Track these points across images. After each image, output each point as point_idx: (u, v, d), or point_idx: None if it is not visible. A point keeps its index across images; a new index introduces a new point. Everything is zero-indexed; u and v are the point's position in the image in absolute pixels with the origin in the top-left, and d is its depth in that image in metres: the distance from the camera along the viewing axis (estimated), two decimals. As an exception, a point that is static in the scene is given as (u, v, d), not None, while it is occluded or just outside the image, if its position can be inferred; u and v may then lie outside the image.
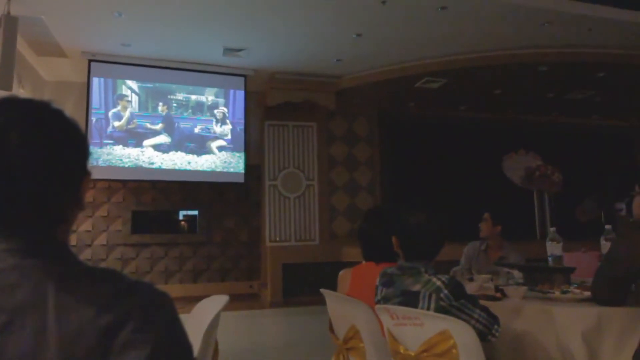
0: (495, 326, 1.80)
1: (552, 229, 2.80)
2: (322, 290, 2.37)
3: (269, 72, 6.88)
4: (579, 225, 7.09)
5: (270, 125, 7.32)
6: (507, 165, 7.84)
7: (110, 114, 6.47)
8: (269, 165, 7.25)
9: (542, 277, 2.36)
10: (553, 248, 2.74)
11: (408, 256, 1.94)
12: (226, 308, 2.09)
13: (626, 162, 8.93)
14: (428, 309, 1.78)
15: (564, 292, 2.10)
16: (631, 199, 1.96)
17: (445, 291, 1.77)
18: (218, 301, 2.16)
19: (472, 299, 1.83)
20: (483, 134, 8.23)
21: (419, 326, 1.72)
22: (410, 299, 1.83)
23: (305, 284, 6.66)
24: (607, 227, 2.62)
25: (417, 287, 1.83)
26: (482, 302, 1.98)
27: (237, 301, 6.66)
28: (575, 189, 7.74)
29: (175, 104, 6.79)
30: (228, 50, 6.16)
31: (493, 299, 2.17)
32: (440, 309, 1.76)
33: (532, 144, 8.29)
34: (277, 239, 7.12)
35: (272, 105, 7.02)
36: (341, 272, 2.47)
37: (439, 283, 1.79)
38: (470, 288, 2.38)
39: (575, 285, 2.27)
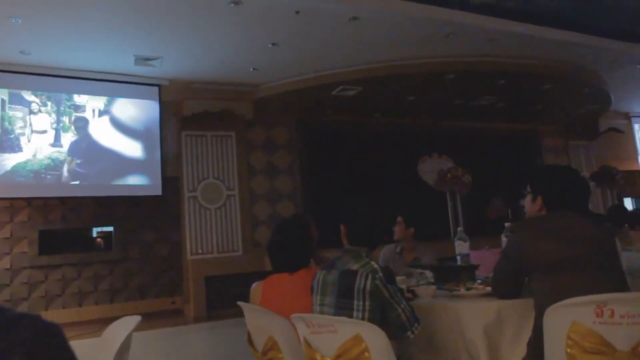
0: (416, 324, 1.93)
1: (460, 229, 2.96)
2: (239, 303, 2.35)
3: (185, 82, 6.73)
4: (489, 223, 7.56)
5: (187, 136, 7.15)
6: (422, 168, 8.21)
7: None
8: (188, 176, 7.07)
9: (449, 275, 2.49)
10: (460, 247, 2.91)
11: (352, 242, 2.13)
12: (148, 327, 2.02)
13: (530, 162, 9.63)
14: (364, 286, 1.93)
15: (468, 289, 2.23)
16: (515, 200, 2.13)
17: (380, 274, 1.95)
18: (129, 322, 2.08)
19: (401, 290, 2.02)
20: (399, 140, 8.54)
21: (333, 333, 1.75)
22: (349, 278, 1.97)
23: (229, 296, 6.53)
24: (507, 224, 2.81)
25: (355, 267, 2.00)
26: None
27: (159, 318, 6.41)
28: (484, 190, 8.24)
29: (83, 116, 6.44)
30: (140, 59, 5.95)
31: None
32: (375, 288, 1.92)
33: (444, 147, 8.74)
34: (199, 251, 6.95)
35: (189, 116, 6.87)
36: (253, 286, 2.46)
37: (375, 266, 1.99)
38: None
39: (480, 281, 2.41)
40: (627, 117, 10.74)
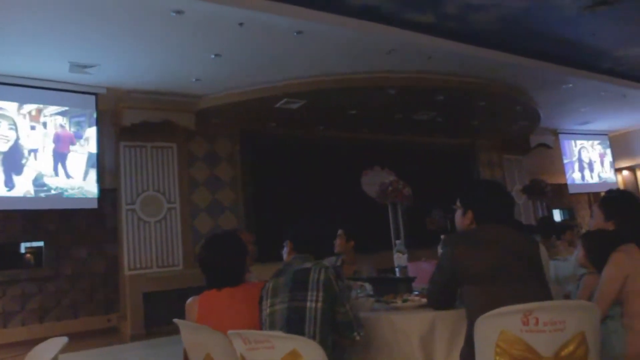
0: (361, 329, 2.02)
1: (398, 241, 3.03)
2: (175, 320, 2.27)
3: (123, 91, 6.53)
4: (429, 235, 7.76)
5: (126, 147, 6.91)
6: (365, 181, 8.34)
7: None
8: (126, 188, 6.82)
9: (387, 288, 2.54)
10: (399, 259, 2.97)
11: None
12: (81, 346, 1.93)
13: (468, 175, 10.01)
14: (319, 278, 2.01)
15: (404, 301, 2.27)
16: (454, 212, 2.20)
17: (332, 270, 2.05)
18: (55, 344, 1.97)
19: (349, 288, 2.24)
20: (342, 153, 8.66)
21: (270, 349, 1.74)
22: (302, 275, 2.05)
23: (169, 312, 6.28)
24: (443, 237, 2.90)
25: (308, 265, 2.09)
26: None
27: (94, 337, 6.11)
28: (425, 202, 8.46)
29: (12, 124, 6.09)
30: (75, 66, 5.72)
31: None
32: (328, 279, 2.02)
33: (386, 160, 8.92)
34: (137, 266, 6.71)
35: (128, 126, 6.65)
36: (188, 301, 2.40)
37: (327, 265, 2.10)
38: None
39: (417, 292, 2.47)
40: (555, 133, 11.42)
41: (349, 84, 6.68)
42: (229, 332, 1.88)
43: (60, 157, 6.34)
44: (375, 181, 7.95)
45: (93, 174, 6.50)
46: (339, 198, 8.11)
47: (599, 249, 2.37)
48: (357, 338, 1.99)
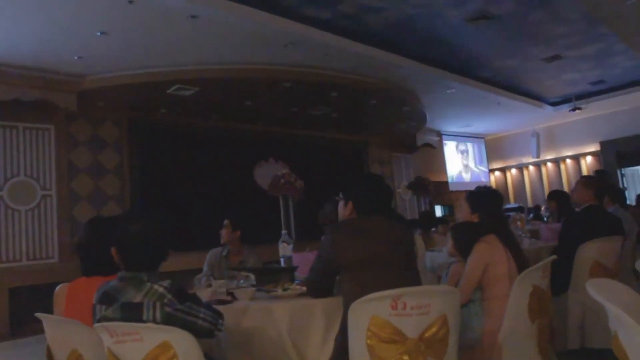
0: (220, 320, 1.87)
1: (284, 232, 3.05)
2: (37, 314, 2.10)
3: (-10, 64, 5.86)
4: (320, 227, 7.93)
5: (-7, 126, 6.22)
6: (258, 173, 8.31)
7: None
8: (-8, 173, 6.14)
9: (270, 277, 2.55)
10: (284, 249, 2.99)
11: (129, 266, 1.86)
12: None
13: (359, 171, 10.36)
14: (154, 318, 1.74)
15: (285, 290, 2.30)
16: (337, 203, 2.27)
17: (169, 296, 1.77)
18: None
19: (195, 299, 1.89)
20: (236, 143, 8.54)
21: (139, 341, 1.66)
22: (133, 313, 1.76)
23: (41, 308, 5.80)
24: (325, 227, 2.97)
25: (138, 298, 1.77)
26: (215, 306, 2.04)
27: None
28: (317, 195, 8.63)
29: None
30: None
31: (223, 302, 2.25)
32: (166, 316, 1.74)
33: (280, 153, 8.96)
34: (3, 259, 6.08)
35: (-5, 103, 5.98)
36: (57, 289, 2.23)
37: (161, 290, 1.77)
38: (205, 294, 2.42)
39: (299, 282, 2.51)
40: (439, 134, 12.25)
41: (244, 75, 6.59)
42: (95, 325, 1.76)
43: None
44: (268, 173, 7.96)
45: (-49, 155, 5.77)
46: (231, 189, 8.00)
47: (464, 239, 2.58)
48: (219, 334, 1.88)
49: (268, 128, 8.95)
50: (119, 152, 7.32)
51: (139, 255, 1.85)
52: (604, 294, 1.40)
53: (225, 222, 3.58)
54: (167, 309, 1.74)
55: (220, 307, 2.04)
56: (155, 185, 7.54)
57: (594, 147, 11.98)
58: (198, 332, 1.76)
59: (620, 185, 11.15)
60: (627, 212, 4.78)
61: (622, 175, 11.88)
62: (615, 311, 1.31)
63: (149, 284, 1.79)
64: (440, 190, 11.66)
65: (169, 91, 6.74)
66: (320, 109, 8.26)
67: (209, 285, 2.74)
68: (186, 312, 1.78)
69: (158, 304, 1.74)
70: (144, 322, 1.73)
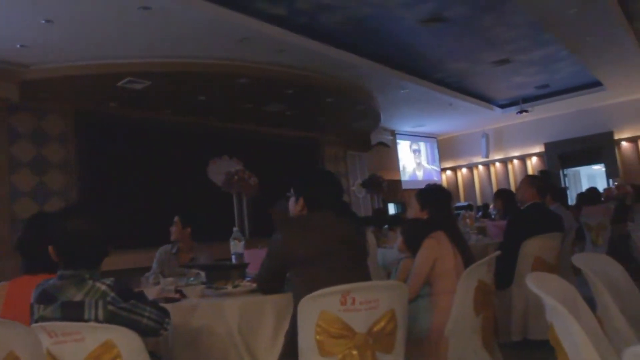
0: (166, 319, 1.82)
1: (235, 229, 3.02)
2: (-31, 315, 1.98)
3: None
4: (274, 225, 7.90)
5: None
6: (212, 169, 8.18)
7: None
8: None
9: (221, 274, 2.52)
10: (235, 246, 2.96)
11: (68, 264, 1.79)
12: None
13: (314, 168, 10.39)
14: (96, 317, 1.67)
15: (235, 286, 2.27)
16: (287, 199, 2.27)
17: (112, 294, 1.71)
18: None
19: (141, 297, 1.83)
20: (189, 139, 8.36)
21: (80, 341, 1.60)
22: (74, 312, 1.69)
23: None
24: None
25: (79, 297, 1.70)
26: (162, 304, 1.99)
27: None
28: (271, 193, 8.59)
29: None
30: None
31: (171, 300, 2.20)
32: (109, 314, 1.68)
33: (235, 150, 8.85)
34: None
35: None
36: None
37: (104, 287, 1.71)
38: (153, 292, 2.36)
39: (249, 278, 2.49)
40: (393, 134, 12.46)
41: (198, 69, 6.47)
42: (32, 325, 1.69)
43: None
44: (222, 170, 7.85)
45: None
46: (183, 185, 7.84)
47: (413, 236, 2.63)
48: (165, 333, 1.83)
49: (222, 124, 8.83)
50: (65, 146, 7.03)
51: (77, 252, 1.78)
52: (541, 287, 1.46)
53: (176, 218, 3.50)
54: (110, 307, 1.68)
55: (167, 306, 2.00)
56: (103, 180, 7.28)
57: (539, 149, 12.50)
58: (143, 331, 1.71)
59: (563, 185, 11.68)
60: (567, 210, 5.02)
61: (564, 176, 12.47)
62: (551, 303, 1.37)
63: (90, 282, 1.73)
64: (393, 188, 11.86)
65: (119, 84, 6.52)
66: (275, 105, 8.22)
67: (157, 283, 2.68)
68: (130, 310, 1.72)
69: (100, 303, 1.68)
70: (86, 321, 1.67)
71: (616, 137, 11.37)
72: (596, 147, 11.63)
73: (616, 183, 9.67)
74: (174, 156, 8.07)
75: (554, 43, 7.45)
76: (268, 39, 6.08)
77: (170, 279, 2.59)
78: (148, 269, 3.57)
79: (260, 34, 5.92)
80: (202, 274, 2.78)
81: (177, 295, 2.26)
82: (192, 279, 2.69)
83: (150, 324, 1.75)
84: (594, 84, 9.88)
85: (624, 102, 11.07)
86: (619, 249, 5.68)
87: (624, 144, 11.35)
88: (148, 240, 5.15)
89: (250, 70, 6.78)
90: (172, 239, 3.48)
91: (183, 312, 2.10)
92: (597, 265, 2.12)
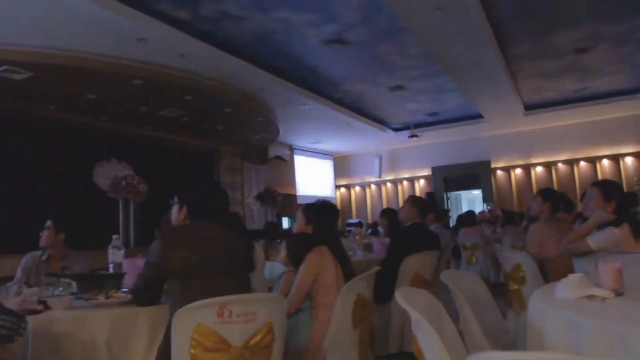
0: (23, 324, 1.71)
1: (115, 236, 2.85)
2: None
3: None
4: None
5: None
6: (98, 173, 7.67)
7: None
8: None
9: (95, 284, 2.36)
10: (114, 255, 2.80)
11: None
12: None
13: (209, 178, 10.15)
14: None
15: (108, 297, 2.14)
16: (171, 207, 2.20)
17: None
18: None
19: None
20: (75, 138, 7.77)
21: None
22: None
23: None
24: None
25: None
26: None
27: None
28: (164, 200, 8.23)
29: None
30: None
31: (34, 312, 2.01)
32: None
33: (125, 153, 8.39)
34: None
35: None
36: None
37: None
38: (12, 303, 2.14)
39: (126, 289, 2.35)
40: (291, 149, 12.61)
41: (87, 65, 6.04)
42: None
43: None
44: (109, 174, 7.39)
45: None
46: (63, 187, 7.24)
47: (297, 249, 2.67)
48: (20, 338, 1.71)
49: (112, 125, 8.31)
50: None
51: None
52: (409, 301, 1.55)
53: (48, 223, 3.22)
54: None
55: (30, 318, 1.84)
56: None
57: (427, 172, 13.36)
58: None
59: (446, 207, 12.56)
60: (446, 230, 5.40)
61: (448, 198, 13.42)
62: (415, 315, 1.47)
63: None
64: (288, 202, 11.96)
65: (-6, 72, 5.91)
66: (172, 111, 7.94)
67: (20, 294, 2.44)
68: None
69: None
70: None
71: (492, 165, 12.51)
72: (475, 173, 12.70)
73: (489, 207, 10.62)
74: (57, 155, 7.43)
75: (444, 75, 8.05)
76: (168, 41, 5.89)
77: (34, 289, 2.37)
78: (10, 277, 3.23)
79: (160, 36, 5.71)
80: (74, 283, 2.58)
81: (40, 307, 2.07)
82: (61, 289, 2.49)
83: (3, 332, 1.64)
84: (476, 116, 10.83)
85: (500, 135, 12.25)
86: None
87: (499, 172, 12.52)
88: (17, 245, 4.68)
89: (147, 72, 6.49)
90: (41, 245, 3.19)
91: (48, 325, 1.93)
92: (463, 282, 2.30)
